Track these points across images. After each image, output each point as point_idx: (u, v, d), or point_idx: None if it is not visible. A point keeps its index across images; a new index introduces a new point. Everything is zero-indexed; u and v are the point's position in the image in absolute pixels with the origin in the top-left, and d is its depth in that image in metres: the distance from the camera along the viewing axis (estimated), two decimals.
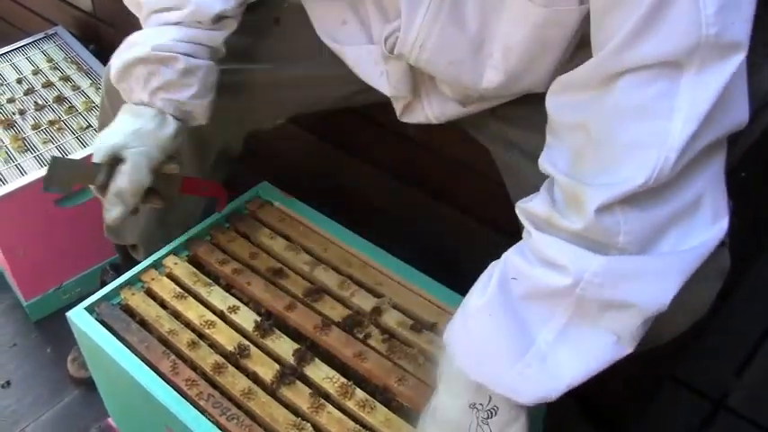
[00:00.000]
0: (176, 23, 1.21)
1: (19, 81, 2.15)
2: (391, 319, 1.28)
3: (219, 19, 1.22)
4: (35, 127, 1.99)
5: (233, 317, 1.30)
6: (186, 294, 1.34)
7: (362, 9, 1.18)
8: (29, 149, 1.92)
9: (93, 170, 1.18)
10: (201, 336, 1.28)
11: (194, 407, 1.17)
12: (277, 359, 1.23)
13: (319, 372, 1.21)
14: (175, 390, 1.20)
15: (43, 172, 1.81)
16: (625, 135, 0.87)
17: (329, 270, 1.37)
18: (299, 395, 1.18)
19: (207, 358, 1.24)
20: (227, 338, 1.27)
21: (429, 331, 1.26)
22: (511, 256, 0.96)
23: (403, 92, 1.22)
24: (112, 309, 1.33)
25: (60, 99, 2.08)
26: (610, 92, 0.88)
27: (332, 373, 1.21)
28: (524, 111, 1.18)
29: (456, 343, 0.99)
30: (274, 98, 1.40)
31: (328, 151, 1.80)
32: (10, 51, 2.26)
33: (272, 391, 1.19)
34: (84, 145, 1.93)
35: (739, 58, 0.83)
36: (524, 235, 0.97)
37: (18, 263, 1.89)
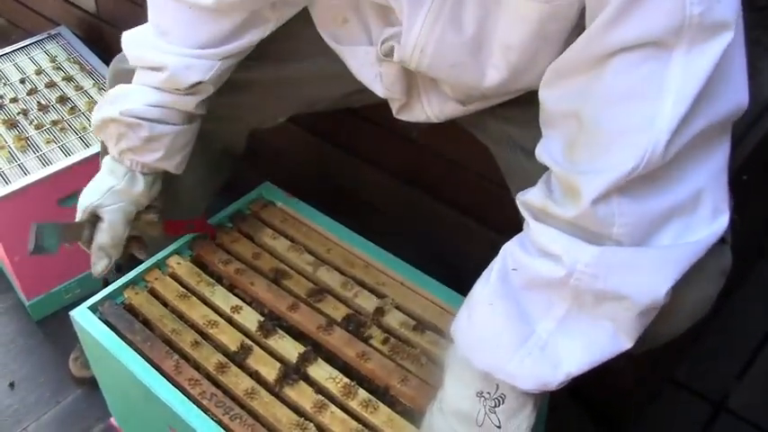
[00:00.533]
0: (152, 87, 1.26)
1: (22, 81, 2.15)
2: (394, 319, 1.28)
3: (195, 85, 1.26)
4: (38, 127, 1.99)
5: (236, 317, 1.31)
6: (189, 294, 1.35)
7: (364, 10, 1.19)
8: (32, 149, 1.92)
9: (76, 229, 1.31)
10: (205, 335, 1.29)
11: (197, 406, 1.18)
12: (280, 359, 1.24)
13: (322, 372, 1.21)
14: (178, 389, 1.20)
15: (46, 172, 1.82)
16: (615, 120, 0.87)
17: (332, 270, 1.37)
18: (302, 395, 1.18)
19: (210, 358, 1.24)
20: (230, 338, 1.27)
21: (431, 332, 1.26)
22: (511, 246, 0.97)
23: (396, 93, 1.23)
24: (116, 308, 1.34)
25: (63, 99, 2.09)
26: (600, 77, 0.88)
27: (335, 373, 1.21)
28: (524, 109, 1.18)
29: (460, 332, 1.00)
30: (277, 96, 1.41)
31: (329, 151, 1.80)
32: (13, 51, 2.26)
33: (275, 391, 1.20)
34: (86, 145, 1.93)
35: (727, 36, 0.83)
36: (524, 226, 0.98)
37: (20, 262, 1.89)
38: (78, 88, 2.12)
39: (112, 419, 1.64)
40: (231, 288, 1.37)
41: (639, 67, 0.85)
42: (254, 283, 1.35)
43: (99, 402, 1.65)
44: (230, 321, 1.30)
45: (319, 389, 1.20)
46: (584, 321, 0.92)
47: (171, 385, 1.21)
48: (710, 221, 0.90)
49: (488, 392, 0.97)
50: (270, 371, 1.22)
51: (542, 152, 0.97)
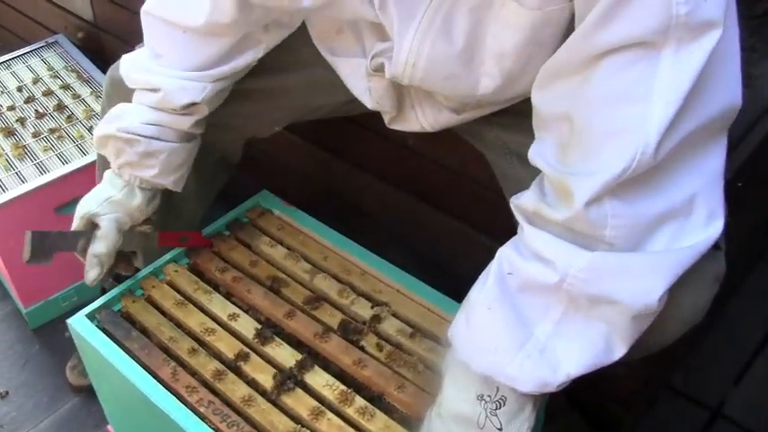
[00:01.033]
0: (149, 107, 1.29)
1: (19, 89, 2.16)
2: (391, 327, 1.29)
3: (189, 106, 1.28)
4: (35, 135, 2.00)
5: (233, 324, 1.31)
6: (187, 302, 1.35)
7: (358, 23, 1.19)
8: (29, 157, 1.93)
9: (72, 238, 1.32)
10: (202, 343, 1.29)
11: (194, 414, 1.18)
12: (277, 366, 1.24)
13: (319, 379, 1.21)
14: (176, 397, 1.20)
15: (43, 180, 1.82)
16: (605, 122, 0.88)
17: (329, 278, 1.38)
18: (298, 402, 1.18)
19: (207, 365, 1.25)
20: (227, 346, 1.27)
21: (428, 339, 1.26)
22: (506, 250, 0.98)
23: (386, 107, 1.24)
24: (113, 316, 1.34)
25: (60, 107, 2.09)
26: (590, 78, 0.88)
27: (332, 380, 1.21)
28: (519, 116, 1.19)
29: (458, 336, 1.00)
30: (274, 105, 1.41)
31: (325, 159, 1.80)
32: (11, 59, 2.27)
33: (272, 399, 1.20)
34: (83, 153, 1.93)
35: (715, 35, 0.83)
36: (518, 230, 0.98)
37: (17, 270, 1.89)
38: (76, 96, 2.13)
39: (109, 427, 1.64)
40: (228, 296, 1.37)
41: (629, 68, 0.85)
42: (250, 291, 1.36)
43: (96, 410, 1.65)
44: (227, 329, 1.31)
45: (316, 396, 1.20)
46: (581, 323, 0.92)
47: (168, 393, 1.21)
48: (705, 226, 0.90)
49: (489, 395, 0.97)
50: (267, 378, 1.22)
51: (535, 155, 0.97)
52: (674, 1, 0.81)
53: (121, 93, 1.39)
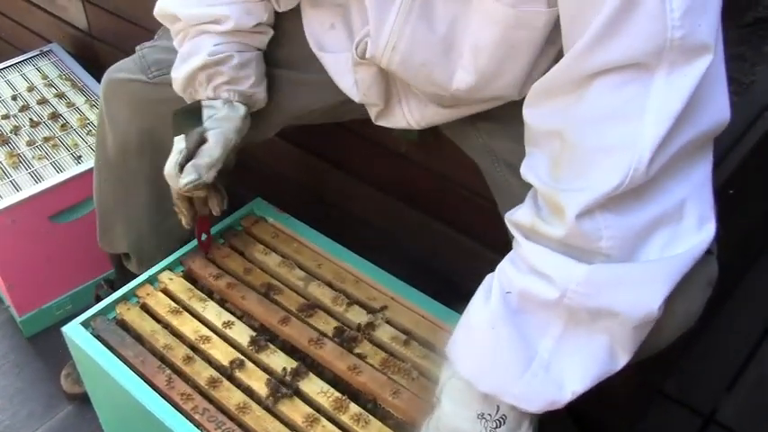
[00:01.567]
0: (219, 34, 1.30)
1: (14, 98, 2.16)
2: (385, 334, 1.29)
3: (257, 26, 1.31)
4: (30, 143, 2.00)
5: (228, 332, 1.31)
6: (181, 309, 1.35)
7: (349, 14, 1.21)
8: (23, 166, 1.93)
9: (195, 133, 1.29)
10: (197, 350, 1.29)
11: (189, 421, 1.18)
12: (272, 374, 1.24)
13: (314, 386, 1.22)
14: (171, 404, 1.21)
15: (37, 188, 1.83)
16: (598, 139, 0.88)
17: (323, 286, 1.38)
18: (293, 409, 1.19)
19: (202, 373, 1.25)
20: (222, 353, 1.28)
21: (422, 346, 1.27)
22: (504, 267, 0.98)
23: (373, 99, 1.24)
24: (108, 323, 1.34)
25: (55, 116, 2.09)
26: (583, 97, 0.89)
27: (326, 387, 1.22)
28: (505, 124, 1.19)
29: (461, 355, 0.99)
30: (269, 106, 1.41)
31: (318, 166, 1.81)
32: (5, 68, 2.27)
33: (266, 406, 1.20)
34: (78, 161, 1.93)
35: (707, 59, 0.84)
36: (514, 245, 0.99)
37: (12, 278, 1.90)
38: (70, 105, 2.13)
39: None
40: (222, 303, 1.38)
41: (622, 88, 0.86)
42: (245, 298, 1.36)
43: (91, 418, 1.65)
44: (222, 336, 1.31)
45: (311, 403, 1.20)
46: (583, 337, 0.92)
47: (163, 400, 1.21)
48: (697, 230, 0.91)
49: (489, 414, 0.97)
50: (261, 385, 1.22)
51: (527, 171, 0.98)
52: (670, 25, 0.82)
53: (119, 95, 1.40)
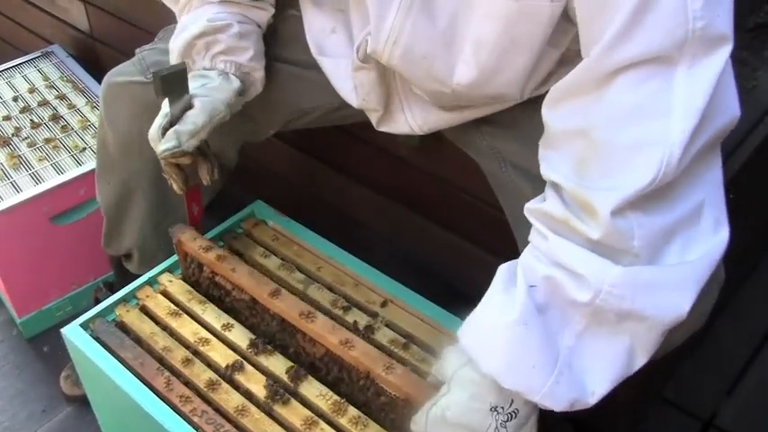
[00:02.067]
0: (220, 3, 1.30)
1: (15, 99, 2.16)
2: (384, 336, 1.29)
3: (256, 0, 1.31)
4: (31, 145, 2.00)
5: (227, 334, 1.31)
6: (181, 312, 1.35)
7: (350, 19, 1.21)
8: (24, 167, 1.93)
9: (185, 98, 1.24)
10: (196, 353, 1.29)
11: (188, 423, 1.18)
12: (271, 376, 1.24)
13: (312, 389, 1.22)
14: (170, 406, 1.21)
15: (38, 189, 1.83)
16: (627, 136, 0.88)
17: (323, 289, 1.38)
18: (292, 412, 1.19)
19: (201, 375, 1.25)
20: (221, 356, 1.28)
21: (421, 349, 1.27)
22: (528, 261, 0.96)
23: (372, 104, 1.24)
24: (107, 325, 1.34)
25: (56, 117, 2.10)
26: (605, 95, 0.89)
27: (325, 390, 1.21)
28: (508, 127, 1.19)
29: (483, 350, 0.97)
30: (273, 100, 1.41)
31: (319, 169, 1.81)
32: (6, 69, 2.28)
33: (265, 409, 1.20)
34: (79, 163, 1.93)
35: (727, 49, 0.85)
36: (535, 238, 0.97)
37: (12, 280, 1.90)
38: (71, 107, 2.13)
39: None
40: (220, 302, 1.38)
41: (644, 83, 0.86)
42: (235, 270, 1.35)
43: (90, 420, 1.65)
44: (221, 339, 1.31)
45: (309, 406, 1.20)
46: (603, 338, 0.92)
47: (162, 402, 1.21)
48: (713, 233, 0.91)
49: (502, 407, 0.96)
50: (260, 388, 1.22)
51: (550, 172, 0.97)
52: (692, 16, 0.83)
53: (120, 97, 1.40)
